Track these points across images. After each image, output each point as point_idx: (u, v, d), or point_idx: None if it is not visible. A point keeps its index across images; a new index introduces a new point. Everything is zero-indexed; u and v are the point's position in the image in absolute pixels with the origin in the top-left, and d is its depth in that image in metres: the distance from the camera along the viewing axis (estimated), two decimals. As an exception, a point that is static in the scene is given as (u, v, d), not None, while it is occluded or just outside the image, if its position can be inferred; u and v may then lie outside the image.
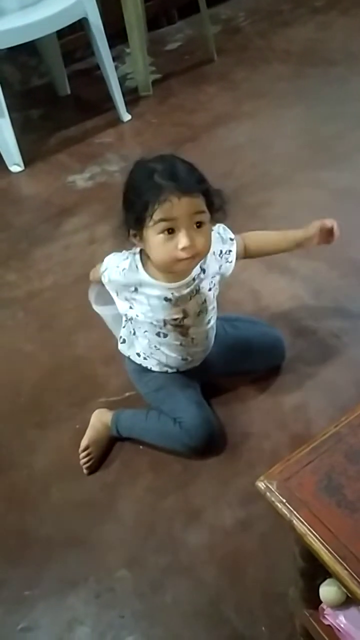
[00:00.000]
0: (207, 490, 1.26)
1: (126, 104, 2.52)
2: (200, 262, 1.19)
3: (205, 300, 1.24)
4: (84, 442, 1.35)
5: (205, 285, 1.23)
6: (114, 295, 1.27)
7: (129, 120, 2.53)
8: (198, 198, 1.08)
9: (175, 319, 1.23)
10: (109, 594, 1.15)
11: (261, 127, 2.29)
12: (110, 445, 1.38)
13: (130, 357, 1.37)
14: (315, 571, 0.86)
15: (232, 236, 1.26)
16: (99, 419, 1.39)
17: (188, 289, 1.20)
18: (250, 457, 1.30)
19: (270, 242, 1.35)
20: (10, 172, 2.35)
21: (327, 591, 0.88)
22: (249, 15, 3.12)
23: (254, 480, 0.79)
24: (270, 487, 0.77)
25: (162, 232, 1.09)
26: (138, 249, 1.20)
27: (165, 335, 1.26)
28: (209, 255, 1.19)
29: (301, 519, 0.73)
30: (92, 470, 1.35)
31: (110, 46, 2.40)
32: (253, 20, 3.08)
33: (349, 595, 0.78)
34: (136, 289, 1.21)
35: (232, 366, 1.43)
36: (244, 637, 1.05)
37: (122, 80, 2.63)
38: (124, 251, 1.25)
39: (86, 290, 1.79)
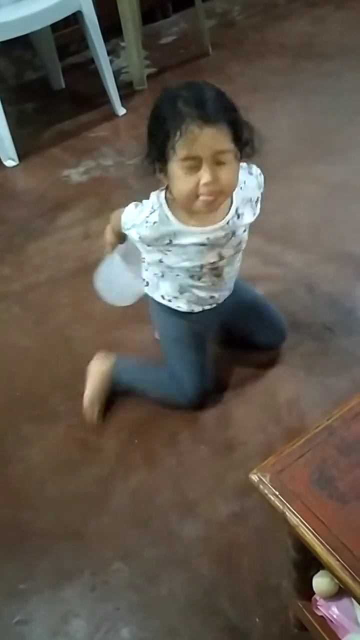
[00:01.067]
0: (202, 483, 1.27)
1: (121, 98, 2.51)
2: (237, 207, 1.17)
3: (240, 242, 1.24)
4: (85, 402, 1.39)
5: (240, 230, 1.22)
6: (143, 248, 1.23)
7: (124, 115, 2.52)
8: (223, 130, 1.03)
9: (212, 263, 1.22)
10: (105, 586, 1.15)
11: (256, 121, 2.25)
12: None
13: (155, 299, 1.35)
14: (308, 563, 0.87)
15: (262, 181, 1.25)
16: (98, 370, 1.40)
17: (223, 232, 1.18)
18: (244, 450, 1.31)
19: None
20: (4, 167, 2.34)
21: (320, 582, 0.89)
22: (244, 9, 3.11)
23: (248, 473, 0.80)
24: (263, 479, 0.78)
25: (184, 168, 1.05)
26: (162, 197, 1.16)
27: (199, 278, 1.26)
28: (247, 201, 1.19)
29: (294, 511, 0.74)
30: (101, 421, 1.40)
31: (105, 40, 2.39)
32: (248, 14, 3.07)
33: (341, 586, 0.79)
34: (170, 241, 1.18)
35: (239, 320, 1.44)
36: (237, 628, 1.06)
37: (116, 74, 2.62)
38: (143, 201, 1.21)
39: (81, 284, 1.79)
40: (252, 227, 1.27)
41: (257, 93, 2.47)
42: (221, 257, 1.24)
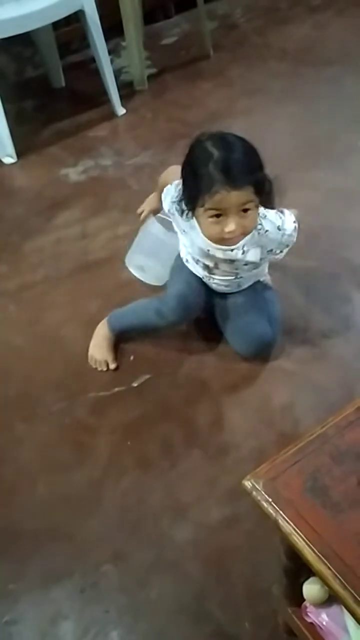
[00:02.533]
0: (194, 487, 1.27)
1: (121, 97, 2.51)
2: (243, 245, 1.30)
3: (237, 268, 1.38)
4: (89, 356, 1.52)
5: (241, 262, 1.35)
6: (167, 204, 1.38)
7: (124, 115, 2.52)
8: (247, 190, 1.17)
9: (206, 265, 1.39)
10: (94, 588, 1.15)
11: (255, 125, 2.29)
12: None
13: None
14: (298, 569, 0.87)
15: (292, 242, 1.37)
16: (98, 329, 1.54)
17: (223, 256, 1.33)
18: (237, 454, 1.31)
19: None
20: (2, 164, 2.33)
21: (310, 589, 0.89)
22: (246, 12, 3.11)
23: (240, 478, 0.79)
24: (257, 486, 0.77)
25: (212, 216, 1.21)
26: None
27: (196, 262, 1.41)
28: (257, 246, 1.32)
29: (286, 518, 0.74)
30: (107, 368, 1.51)
31: (106, 39, 2.38)
32: (250, 17, 3.07)
33: (331, 594, 0.79)
34: (185, 231, 1.34)
35: (224, 322, 1.51)
36: (227, 633, 1.06)
37: (117, 73, 2.62)
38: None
39: (77, 283, 1.79)
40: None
41: (256, 97, 2.47)
42: (216, 266, 1.38)
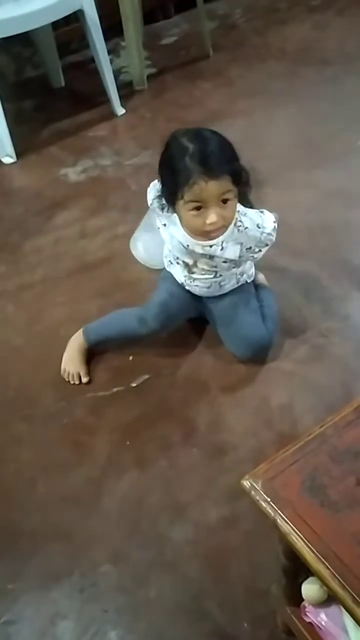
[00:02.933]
0: (193, 486, 1.27)
1: (120, 97, 2.51)
2: (223, 240, 1.30)
3: (216, 266, 1.37)
4: (62, 369, 1.51)
5: (219, 259, 1.35)
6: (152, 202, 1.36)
7: (123, 115, 2.52)
8: (225, 179, 1.18)
9: (186, 263, 1.38)
10: (93, 588, 1.15)
11: (255, 125, 2.29)
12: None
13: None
14: (297, 569, 0.88)
15: (270, 242, 1.37)
16: (73, 341, 1.53)
17: (202, 251, 1.32)
18: (235, 454, 1.31)
19: None
20: (1, 164, 2.33)
21: (309, 589, 0.89)
22: (245, 12, 3.11)
23: (239, 478, 0.79)
24: (255, 486, 0.78)
25: (192, 209, 1.21)
26: None
27: (177, 263, 1.42)
28: (236, 243, 1.32)
29: (285, 518, 0.74)
30: (79, 382, 1.49)
31: (106, 39, 2.38)
32: (250, 17, 3.07)
33: (330, 593, 0.79)
34: (166, 225, 1.35)
35: (218, 327, 1.50)
36: (226, 633, 1.06)
37: (116, 73, 2.62)
38: None
39: (76, 283, 1.79)
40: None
41: (256, 97, 2.47)
42: (195, 264, 1.38)
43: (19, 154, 2.34)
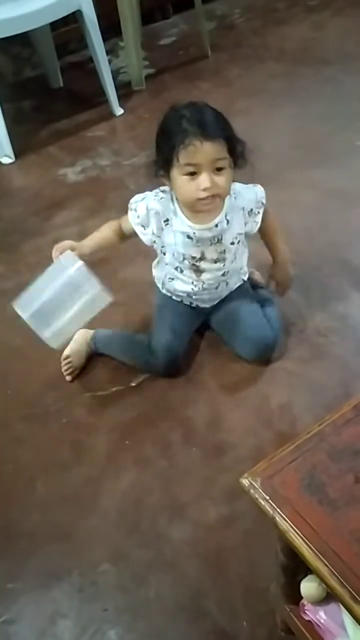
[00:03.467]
0: (192, 486, 1.27)
1: (119, 98, 2.51)
2: (226, 213, 1.32)
3: (224, 251, 1.37)
4: (65, 352, 1.49)
5: (228, 237, 1.35)
6: (139, 230, 1.36)
7: (122, 115, 2.52)
8: (220, 144, 1.20)
9: (193, 257, 1.36)
10: (92, 587, 1.15)
11: (254, 125, 2.29)
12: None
13: (155, 274, 1.51)
14: (296, 567, 0.88)
15: (265, 201, 1.38)
16: (83, 336, 1.52)
17: (210, 234, 1.32)
18: (235, 453, 1.31)
19: (272, 240, 1.47)
20: (0, 164, 2.34)
21: (308, 587, 0.89)
22: (244, 12, 3.12)
23: (238, 477, 0.80)
24: (254, 484, 0.78)
25: (186, 174, 1.21)
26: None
27: (181, 271, 1.40)
28: (238, 210, 1.33)
29: (284, 516, 0.74)
30: (72, 378, 1.50)
31: (104, 39, 2.39)
32: (248, 17, 3.07)
33: (328, 591, 0.80)
34: (168, 220, 1.33)
35: (223, 332, 1.51)
36: (225, 632, 1.06)
37: (115, 74, 2.62)
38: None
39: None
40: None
41: (255, 97, 2.48)
42: (203, 256, 1.36)
43: (18, 154, 2.34)
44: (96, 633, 1.09)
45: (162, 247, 1.39)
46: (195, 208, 1.28)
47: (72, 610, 1.13)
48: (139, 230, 1.37)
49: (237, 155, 1.25)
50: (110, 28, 2.56)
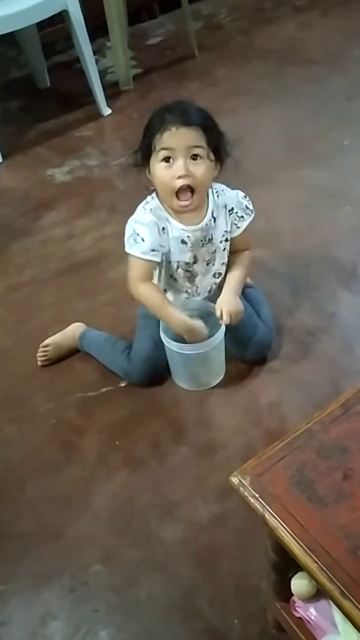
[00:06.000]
0: (183, 485, 1.27)
1: (107, 98, 2.51)
2: (212, 210, 1.32)
3: (215, 251, 1.37)
4: (47, 340, 1.54)
5: (217, 237, 1.35)
6: (152, 256, 1.29)
7: (109, 115, 2.52)
8: (197, 132, 1.21)
9: (187, 263, 1.35)
10: (84, 588, 1.15)
11: (241, 125, 2.29)
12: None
13: None
14: (286, 564, 0.88)
15: (252, 209, 1.38)
16: (72, 330, 1.55)
17: (202, 234, 1.32)
18: (225, 452, 1.31)
19: (232, 271, 1.42)
20: (-12, 165, 2.33)
21: (298, 584, 0.90)
22: (230, 12, 3.12)
23: (228, 476, 0.80)
24: (244, 482, 0.78)
25: (163, 159, 1.22)
26: (155, 195, 1.32)
27: (175, 280, 1.38)
28: (222, 207, 1.34)
29: (273, 513, 0.75)
30: (43, 365, 1.54)
31: (91, 39, 2.38)
32: (235, 17, 3.08)
33: (318, 587, 0.80)
34: (164, 229, 1.31)
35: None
36: (217, 630, 1.07)
37: (102, 74, 2.62)
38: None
39: (65, 284, 1.79)
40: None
41: (242, 96, 2.48)
42: (195, 259, 1.35)
43: (5, 155, 2.33)
44: (88, 634, 1.09)
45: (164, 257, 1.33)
46: (175, 207, 1.27)
47: (63, 612, 1.13)
48: (152, 257, 1.29)
49: (217, 148, 1.25)
50: (97, 28, 2.56)
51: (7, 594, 1.16)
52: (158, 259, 1.31)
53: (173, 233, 1.31)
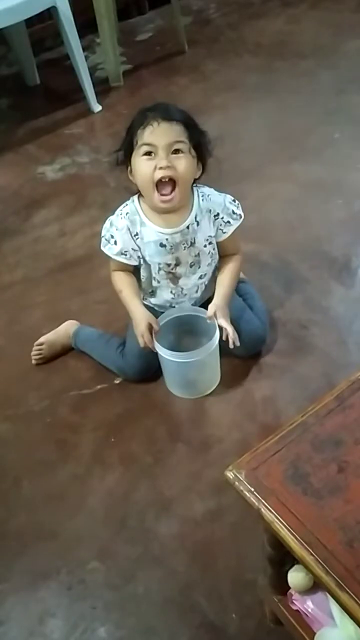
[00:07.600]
0: (178, 481, 1.27)
1: (96, 94, 2.50)
2: (195, 214, 1.31)
3: (199, 254, 1.36)
4: (41, 339, 1.54)
5: (200, 240, 1.34)
6: (123, 259, 1.34)
7: (100, 111, 2.51)
8: (178, 127, 1.22)
9: (169, 265, 1.34)
10: (81, 585, 1.15)
11: (231, 119, 2.29)
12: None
13: None
14: (283, 558, 0.88)
15: (241, 214, 1.36)
16: (66, 328, 1.56)
17: (182, 238, 1.31)
18: (220, 447, 1.32)
19: (220, 276, 1.41)
20: (-22, 163, 2.31)
21: (295, 577, 0.90)
22: (219, 7, 3.11)
23: (224, 471, 0.80)
24: (239, 476, 0.78)
25: (144, 154, 1.23)
26: (136, 198, 1.33)
27: (158, 281, 1.38)
28: (206, 211, 1.32)
29: (269, 507, 0.75)
30: (37, 363, 1.54)
31: (80, 36, 2.37)
32: (224, 12, 3.07)
33: (315, 580, 0.80)
34: (137, 234, 1.31)
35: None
36: (214, 624, 1.07)
37: (92, 70, 2.60)
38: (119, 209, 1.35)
39: (56, 282, 1.79)
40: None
41: (232, 91, 2.48)
42: (178, 262, 1.35)
43: (-5, 153, 2.32)
44: (86, 631, 1.09)
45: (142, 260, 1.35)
46: (156, 204, 1.26)
47: (61, 609, 1.13)
48: (122, 259, 1.34)
49: (198, 145, 1.26)
50: (86, 24, 2.55)
51: (4, 593, 1.16)
52: (131, 262, 1.35)
53: (149, 237, 1.31)
